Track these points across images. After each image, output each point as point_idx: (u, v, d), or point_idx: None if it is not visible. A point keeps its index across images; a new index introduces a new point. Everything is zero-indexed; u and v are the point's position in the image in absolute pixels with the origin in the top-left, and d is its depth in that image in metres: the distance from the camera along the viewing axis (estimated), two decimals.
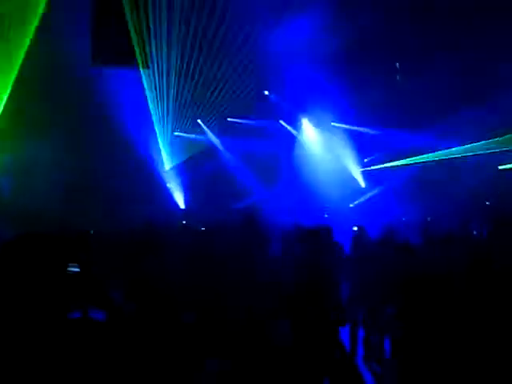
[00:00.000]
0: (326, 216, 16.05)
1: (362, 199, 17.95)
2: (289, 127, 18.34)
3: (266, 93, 17.25)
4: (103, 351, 2.48)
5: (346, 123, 17.85)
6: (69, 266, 2.89)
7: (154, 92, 16.09)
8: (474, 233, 9.87)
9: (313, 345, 4.99)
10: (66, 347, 2.34)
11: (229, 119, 17.69)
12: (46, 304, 2.35)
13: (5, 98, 14.25)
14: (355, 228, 10.28)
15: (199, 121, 17.55)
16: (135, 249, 6.00)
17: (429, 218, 12.47)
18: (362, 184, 18.58)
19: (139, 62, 14.99)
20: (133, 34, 14.28)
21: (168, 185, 17.71)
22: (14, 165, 14.72)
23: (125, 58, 14.54)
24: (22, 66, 13.88)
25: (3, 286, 2.36)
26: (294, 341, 4.90)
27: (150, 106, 16.51)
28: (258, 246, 6.22)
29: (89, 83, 14.65)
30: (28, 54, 13.75)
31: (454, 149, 17.00)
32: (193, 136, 17.81)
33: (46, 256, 2.39)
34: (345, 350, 5.97)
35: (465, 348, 4.34)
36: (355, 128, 17.85)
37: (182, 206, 17.72)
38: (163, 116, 16.86)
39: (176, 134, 17.67)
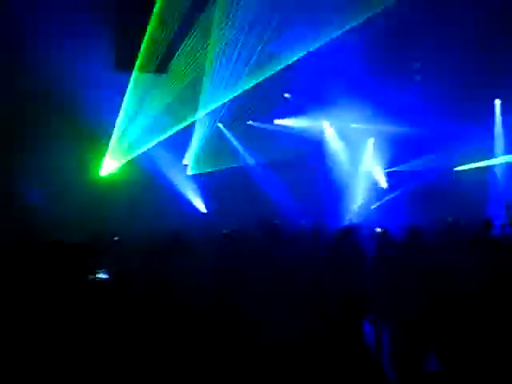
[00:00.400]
0: (348, 219, 16.04)
1: (383, 201, 17.92)
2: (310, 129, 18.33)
3: (287, 95, 17.24)
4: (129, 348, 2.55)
5: (368, 123, 17.81)
6: (97, 273, 2.97)
7: (173, 97, 16.05)
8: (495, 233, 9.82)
9: (336, 341, 5.03)
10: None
11: (250, 123, 17.75)
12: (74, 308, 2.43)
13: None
14: (378, 229, 10.28)
15: (220, 125, 17.60)
16: (163, 253, 6.10)
17: (450, 219, 12.39)
18: (384, 185, 18.55)
19: (159, 66, 14.98)
20: (152, 39, 14.26)
21: (190, 189, 17.76)
22: (45, 175, 14.87)
23: (149, 62, 14.56)
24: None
25: (32, 290, 2.45)
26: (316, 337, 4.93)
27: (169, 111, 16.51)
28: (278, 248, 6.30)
29: (113, 89, 14.76)
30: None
31: None
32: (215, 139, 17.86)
33: (72, 264, 2.47)
34: (369, 348, 6.00)
35: (494, 346, 4.35)
36: (377, 127, 17.84)
37: (203, 210, 17.75)
38: (183, 120, 16.84)
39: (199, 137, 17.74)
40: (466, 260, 5.90)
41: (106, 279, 3.38)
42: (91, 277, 2.58)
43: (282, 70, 15.21)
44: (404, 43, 14.55)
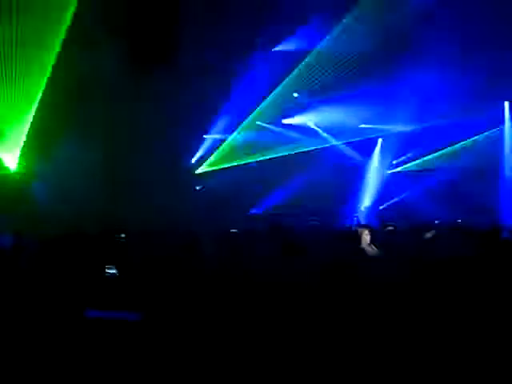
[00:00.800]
0: (355, 217, 16.01)
1: (392, 201, 17.86)
2: (319, 130, 18.27)
3: (295, 95, 17.14)
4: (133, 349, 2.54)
5: (377, 123, 17.73)
6: (107, 268, 2.97)
7: (184, 94, 15.97)
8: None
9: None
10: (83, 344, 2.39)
11: (258, 123, 17.70)
12: (76, 300, 2.43)
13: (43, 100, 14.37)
14: (390, 228, 10.28)
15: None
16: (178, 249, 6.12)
17: (459, 220, 12.37)
18: (391, 186, 18.46)
19: (173, 63, 14.91)
20: (167, 35, 14.17)
21: (197, 188, 17.76)
22: (54, 169, 14.92)
23: (161, 59, 14.49)
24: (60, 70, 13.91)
25: (41, 280, 2.46)
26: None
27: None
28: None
29: (127, 86, 14.78)
30: (66, 58, 13.72)
31: None
32: (223, 138, 17.84)
33: (84, 255, 2.48)
34: None
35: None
36: (384, 127, 17.77)
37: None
38: (194, 118, 16.80)
39: (206, 136, 17.72)
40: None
41: (115, 274, 3.38)
42: (102, 271, 2.58)
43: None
44: (417, 40, 14.46)
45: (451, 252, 6.35)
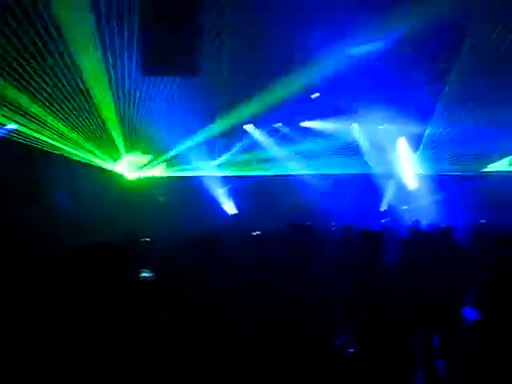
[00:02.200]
0: (383, 221, 15.88)
1: (417, 203, 17.64)
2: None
3: (316, 95, 17.01)
4: (164, 353, 2.55)
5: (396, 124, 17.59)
6: (141, 272, 2.99)
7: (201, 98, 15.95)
8: None
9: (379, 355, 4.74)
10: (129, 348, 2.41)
11: (274, 125, 17.69)
12: (110, 307, 2.45)
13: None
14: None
15: (249, 126, 17.55)
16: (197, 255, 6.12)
17: (483, 221, 12.25)
18: (415, 186, 18.31)
19: (188, 69, 14.87)
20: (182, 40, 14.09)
21: (219, 191, 17.78)
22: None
23: (175, 66, 14.44)
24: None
25: (75, 289, 2.48)
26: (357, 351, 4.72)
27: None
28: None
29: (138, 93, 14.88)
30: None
31: None
32: (241, 141, 17.88)
33: (113, 264, 2.49)
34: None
35: None
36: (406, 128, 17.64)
37: (232, 211, 17.71)
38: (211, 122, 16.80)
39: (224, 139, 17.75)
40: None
41: (150, 278, 3.40)
42: (137, 277, 2.61)
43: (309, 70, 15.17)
44: (430, 42, 14.36)
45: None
